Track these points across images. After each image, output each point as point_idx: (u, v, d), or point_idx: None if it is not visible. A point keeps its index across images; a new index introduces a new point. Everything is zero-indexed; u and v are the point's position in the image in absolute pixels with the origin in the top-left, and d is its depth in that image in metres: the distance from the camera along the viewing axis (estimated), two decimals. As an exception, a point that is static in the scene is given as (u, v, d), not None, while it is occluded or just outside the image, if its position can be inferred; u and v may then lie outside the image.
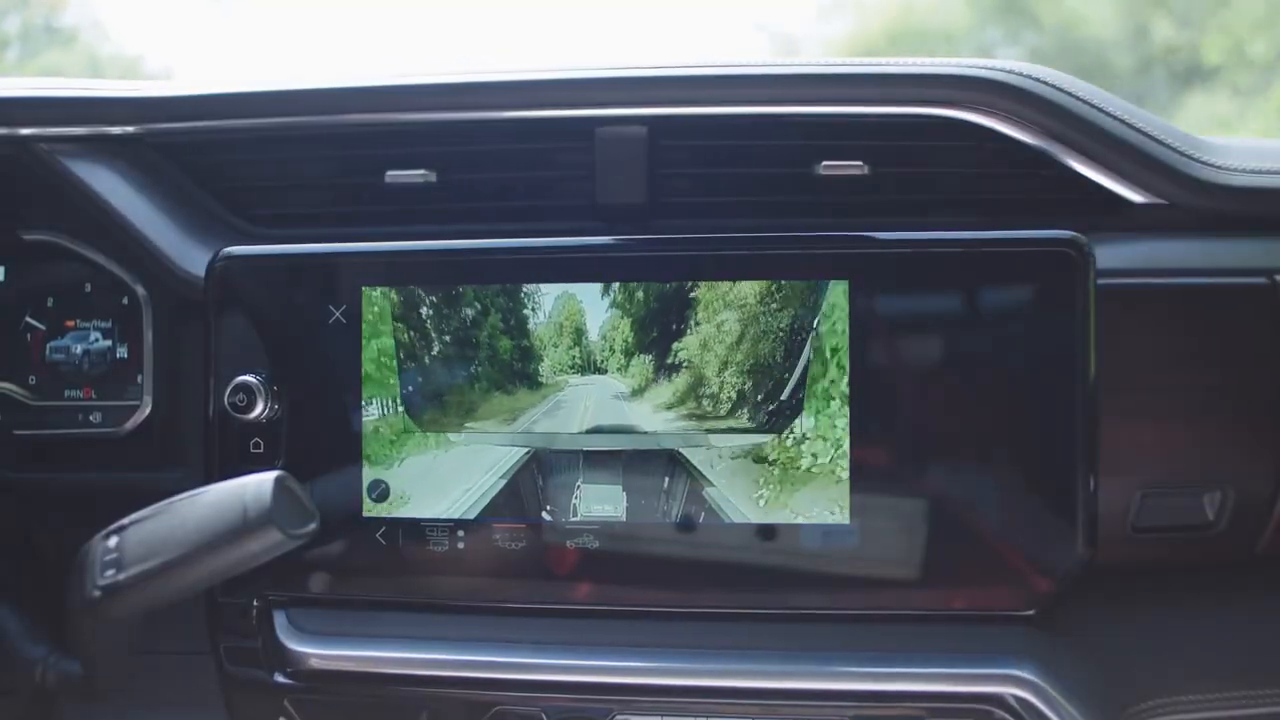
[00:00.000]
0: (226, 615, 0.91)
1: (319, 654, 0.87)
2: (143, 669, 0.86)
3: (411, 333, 0.85)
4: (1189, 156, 0.86)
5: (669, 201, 0.90)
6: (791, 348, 0.81)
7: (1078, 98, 0.85)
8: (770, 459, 0.82)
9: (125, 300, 0.96)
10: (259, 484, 0.71)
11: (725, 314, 0.82)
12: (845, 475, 0.80)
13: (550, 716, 0.85)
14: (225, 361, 0.87)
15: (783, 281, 0.81)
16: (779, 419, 0.82)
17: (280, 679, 0.88)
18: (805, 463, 0.81)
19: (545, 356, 0.85)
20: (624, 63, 0.89)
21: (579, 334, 0.85)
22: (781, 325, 0.82)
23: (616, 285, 0.84)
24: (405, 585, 0.86)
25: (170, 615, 0.79)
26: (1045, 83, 0.85)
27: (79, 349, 0.97)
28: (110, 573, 0.73)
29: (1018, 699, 0.79)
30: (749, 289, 0.82)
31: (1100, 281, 0.79)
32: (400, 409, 0.85)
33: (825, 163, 0.87)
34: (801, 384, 0.81)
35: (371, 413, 0.86)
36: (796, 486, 0.81)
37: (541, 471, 0.85)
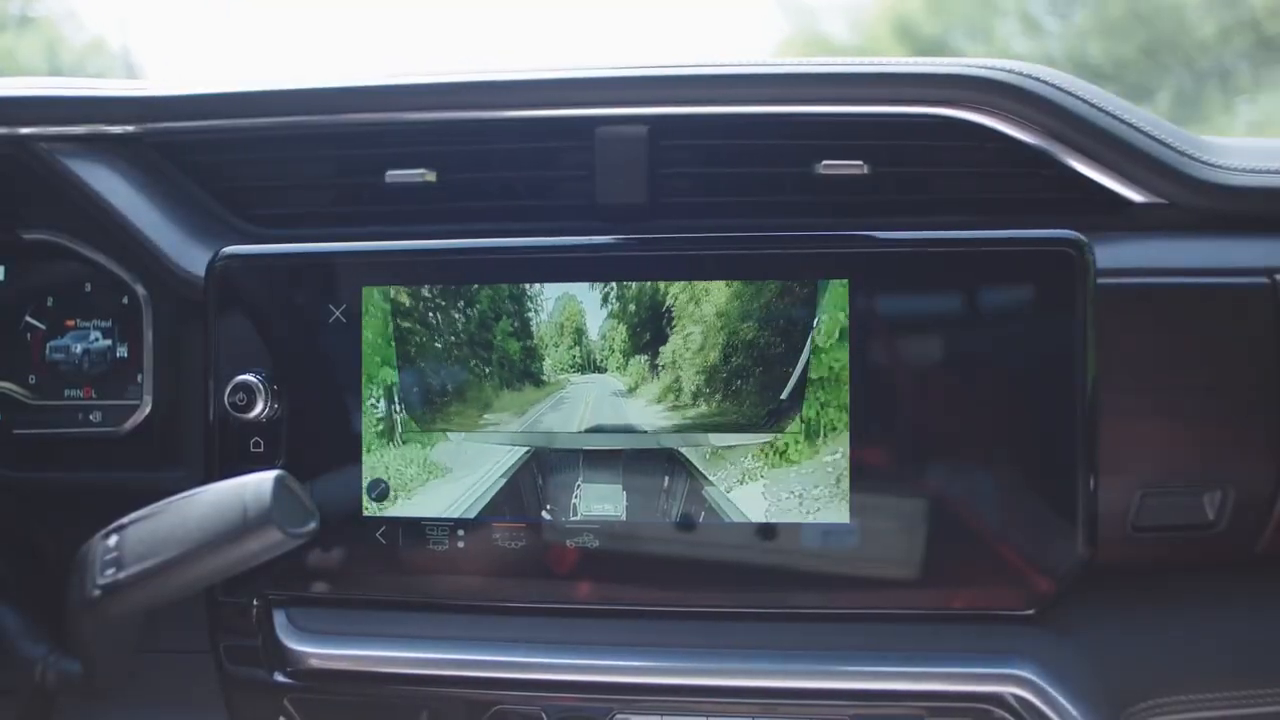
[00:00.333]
0: (226, 614, 0.91)
1: (319, 653, 0.87)
2: (143, 668, 0.86)
3: (414, 331, 0.85)
4: (1190, 156, 0.86)
5: (669, 201, 0.90)
6: (791, 346, 0.81)
7: (1078, 97, 0.85)
8: (770, 458, 0.82)
9: (125, 300, 0.96)
10: (259, 483, 0.71)
11: (725, 312, 0.82)
12: (845, 474, 0.81)
13: (550, 716, 0.85)
14: (225, 361, 0.87)
15: (782, 281, 0.81)
16: (779, 418, 0.82)
17: (280, 678, 0.88)
18: (805, 462, 0.81)
19: (547, 356, 0.85)
20: (624, 62, 0.89)
21: (579, 333, 0.85)
22: (781, 324, 0.82)
23: (615, 285, 0.84)
24: (405, 585, 0.86)
25: (170, 614, 0.80)
26: (1046, 82, 0.85)
27: (79, 348, 0.97)
28: (110, 572, 0.73)
29: (1018, 698, 0.79)
30: (748, 288, 0.82)
31: (1100, 281, 0.79)
32: (400, 408, 0.86)
33: (825, 162, 0.87)
34: (802, 383, 0.81)
35: (371, 412, 0.86)
36: (796, 485, 0.81)
37: (541, 471, 0.85)
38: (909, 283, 0.81)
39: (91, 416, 0.96)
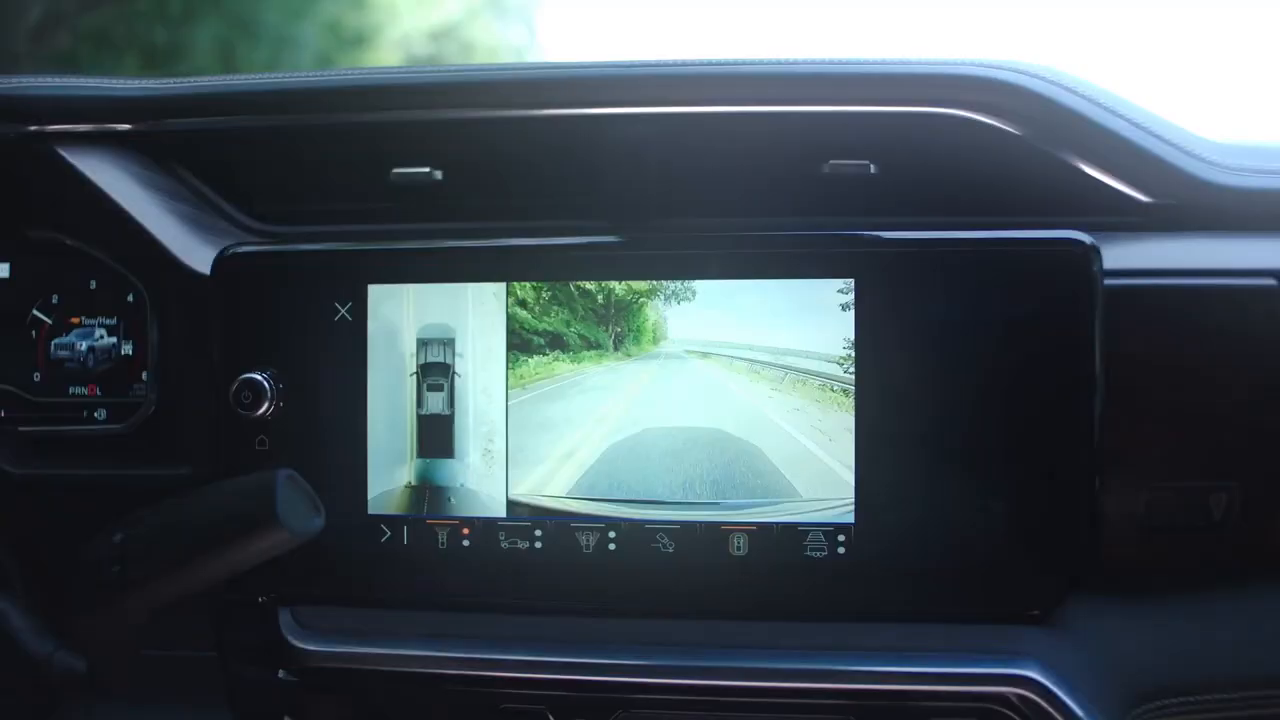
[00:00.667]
0: (231, 613, 0.91)
1: (323, 651, 0.87)
2: (147, 665, 0.86)
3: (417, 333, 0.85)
4: (1197, 157, 0.86)
5: (675, 200, 0.90)
6: (791, 345, 0.81)
7: (1086, 97, 0.85)
8: (770, 457, 0.81)
9: (130, 297, 0.96)
10: (265, 481, 0.71)
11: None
12: (850, 473, 0.80)
13: (555, 713, 0.85)
14: (231, 358, 0.87)
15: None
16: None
17: (285, 676, 0.88)
18: (808, 461, 0.81)
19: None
20: (630, 61, 0.89)
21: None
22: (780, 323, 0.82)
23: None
24: (410, 583, 0.86)
25: (175, 612, 0.79)
26: (1053, 82, 0.85)
27: (84, 345, 0.97)
28: (115, 569, 0.73)
29: (1023, 699, 0.79)
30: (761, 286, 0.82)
31: (1108, 282, 0.79)
32: (411, 406, 0.85)
33: (831, 161, 0.87)
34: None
35: (377, 410, 0.86)
36: (799, 485, 0.81)
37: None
38: (915, 282, 0.81)
39: (96, 414, 0.96)
